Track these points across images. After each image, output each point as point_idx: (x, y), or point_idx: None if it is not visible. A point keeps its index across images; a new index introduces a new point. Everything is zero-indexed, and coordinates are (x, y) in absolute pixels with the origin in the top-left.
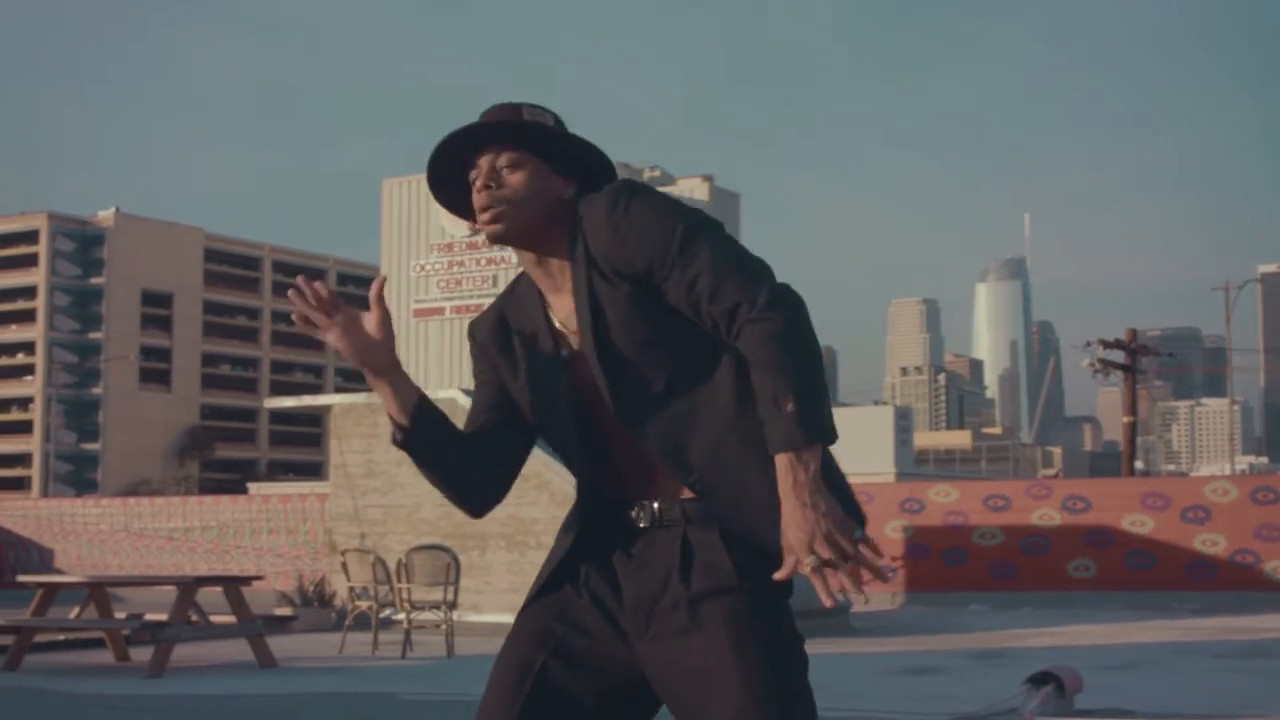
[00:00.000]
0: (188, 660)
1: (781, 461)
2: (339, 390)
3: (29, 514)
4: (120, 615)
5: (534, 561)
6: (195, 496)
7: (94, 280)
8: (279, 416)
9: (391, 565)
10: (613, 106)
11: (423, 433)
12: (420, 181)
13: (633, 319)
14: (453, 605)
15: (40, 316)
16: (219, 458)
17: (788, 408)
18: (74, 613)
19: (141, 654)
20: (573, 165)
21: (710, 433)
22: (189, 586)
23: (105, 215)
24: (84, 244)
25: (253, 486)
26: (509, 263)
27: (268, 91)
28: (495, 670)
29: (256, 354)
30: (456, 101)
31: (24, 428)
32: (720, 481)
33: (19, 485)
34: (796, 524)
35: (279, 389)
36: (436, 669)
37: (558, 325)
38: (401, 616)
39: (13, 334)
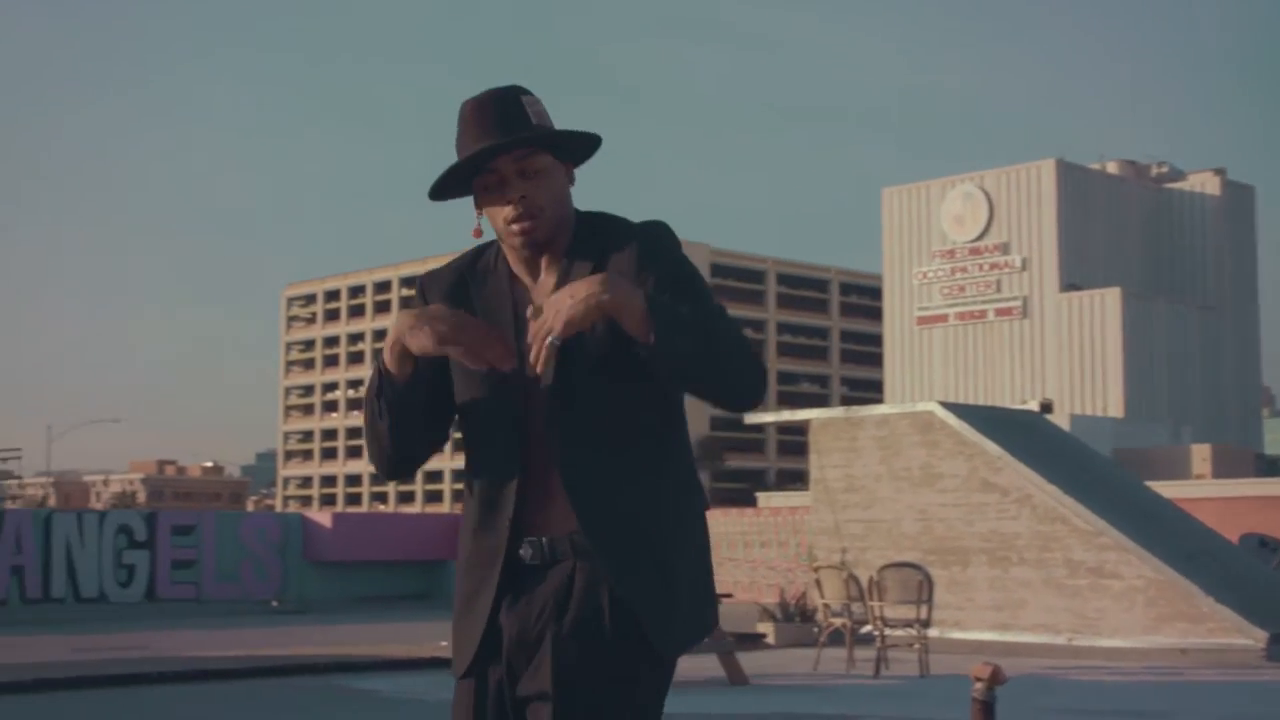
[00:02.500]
0: None
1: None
2: (845, 401)
3: None
4: None
5: (1016, 578)
6: None
7: None
8: (786, 427)
9: (866, 581)
10: (1119, 97)
11: (416, 384)
12: (921, 189)
13: (604, 339)
14: (926, 624)
15: None
16: (729, 468)
17: (680, 310)
18: None
19: None
20: (571, 151)
21: (624, 483)
22: None
23: None
24: None
25: (761, 497)
26: (1012, 267)
27: (765, 104)
28: None
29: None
30: (955, 107)
31: None
32: (614, 533)
33: None
34: (605, 277)
35: (785, 400)
36: (907, 689)
37: (527, 316)
38: (876, 634)
39: None
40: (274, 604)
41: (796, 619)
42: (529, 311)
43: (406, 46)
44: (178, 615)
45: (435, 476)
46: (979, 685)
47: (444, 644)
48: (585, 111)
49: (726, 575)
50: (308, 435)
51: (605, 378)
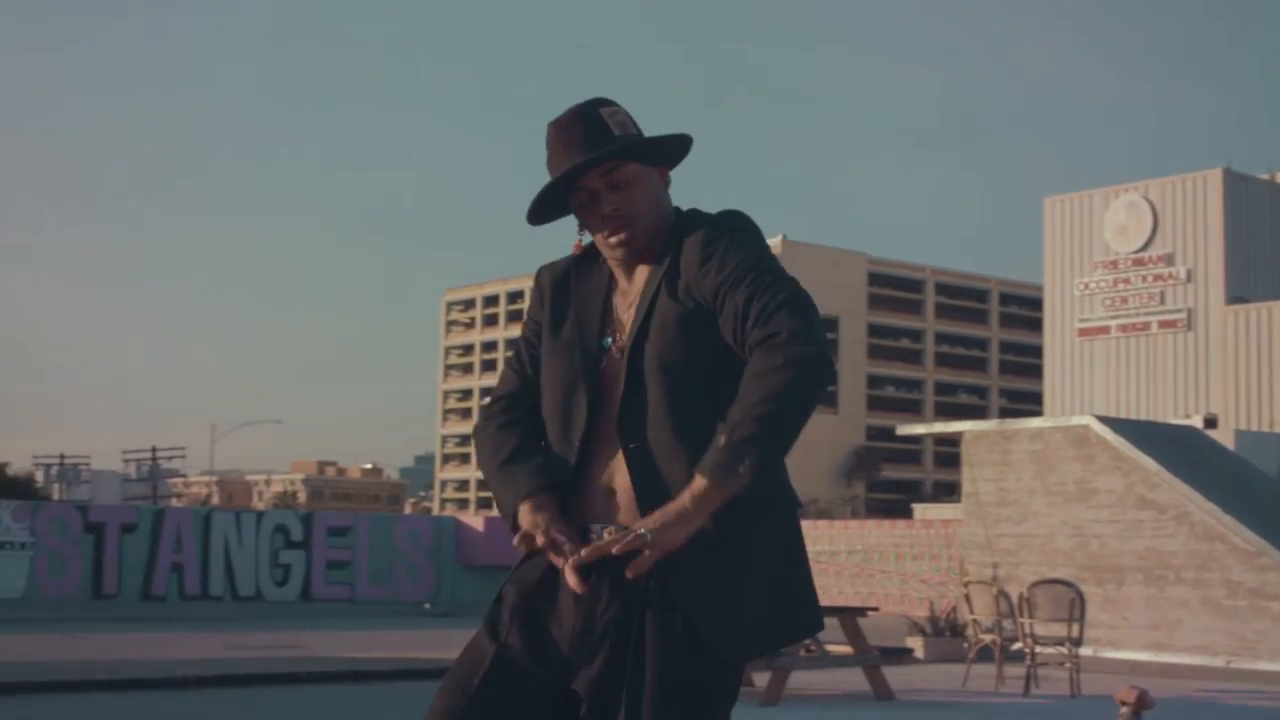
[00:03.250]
0: (808, 688)
1: (693, 483)
2: (1004, 414)
3: None
4: None
5: (1172, 597)
6: (842, 521)
7: None
8: (943, 438)
9: (1016, 598)
10: None
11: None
12: (1083, 198)
13: (675, 334)
14: (1078, 642)
15: None
16: (885, 478)
17: (723, 450)
18: None
19: (764, 681)
20: (659, 154)
21: (681, 480)
22: None
23: (773, 242)
24: None
25: (917, 509)
26: (1176, 279)
27: (925, 110)
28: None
29: (920, 376)
30: (1120, 115)
31: None
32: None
33: None
34: (666, 515)
35: (943, 411)
36: (1055, 709)
37: (616, 312)
38: (1026, 651)
39: None
40: (426, 606)
41: (947, 634)
42: (606, 531)
43: (568, 48)
44: (331, 615)
45: None
46: (1124, 710)
47: None
48: (746, 117)
49: (877, 587)
50: (465, 439)
51: (675, 362)
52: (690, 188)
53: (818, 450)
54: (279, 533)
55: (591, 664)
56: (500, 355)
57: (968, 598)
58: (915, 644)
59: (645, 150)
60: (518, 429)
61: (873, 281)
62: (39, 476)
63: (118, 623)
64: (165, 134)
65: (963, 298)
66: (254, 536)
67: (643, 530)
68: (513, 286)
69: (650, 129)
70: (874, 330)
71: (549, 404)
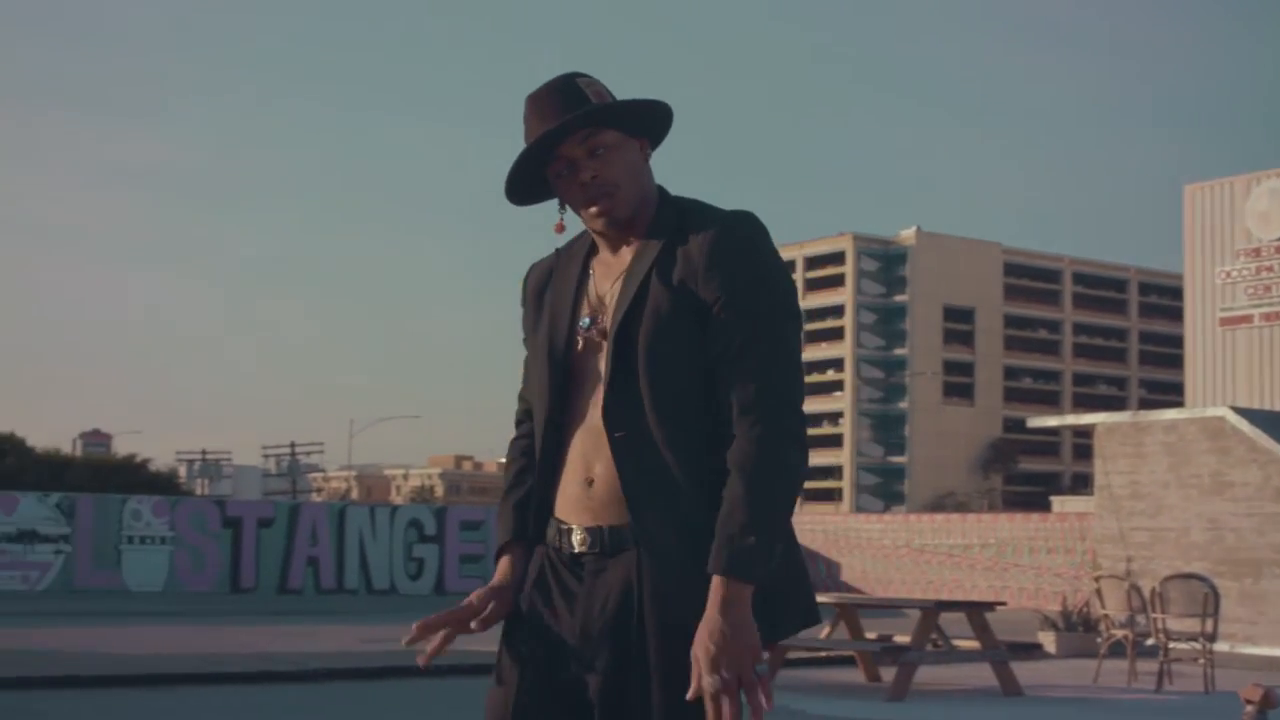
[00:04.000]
0: (935, 683)
1: (723, 587)
2: (1144, 405)
3: (817, 528)
4: (871, 636)
5: None
6: (974, 514)
7: (897, 298)
8: (1081, 430)
9: (1149, 592)
10: None
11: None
12: (1224, 185)
13: (668, 321)
14: (1212, 637)
15: (848, 334)
16: (1022, 471)
17: (750, 540)
18: (824, 632)
19: (890, 676)
20: (639, 123)
21: (670, 472)
22: (930, 611)
23: (907, 234)
24: (887, 262)
25: (1056, 501)
26: None
27: (1060, 96)
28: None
29: (1058, 367)
30: (1262, 99)
31: (834, 441)
32: (660, 527)
33: (829, 497)
34: (717, 642)
35: (1080, 403)
36: (1187, 705)
37: (592, 293)
38: (1160, 647)
39: (823, 351)
40: None
41: (1079, 629)
42: (709, 683)
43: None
44: None
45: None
46: (1249, 709)
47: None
48: (876, 107)
49: (1011, 581)
50: None
51: (665, 348)
52: (827, 182)
53: (954, 443)
54: (412, 527)
55: (595, 669)
56: None
57: (1099, 592)
58: (1046, 639)
59: (622, 116)
60: (519, 457)
61: (1008, 272)
62: (182, 472)
63: (254, 616)
64: (312, 135)
65: (1101, 287)
66: (388, 531)
67: (761, 667)
68: None
69: (789, 123)
70: (1010, 321)
71: (533, 394)
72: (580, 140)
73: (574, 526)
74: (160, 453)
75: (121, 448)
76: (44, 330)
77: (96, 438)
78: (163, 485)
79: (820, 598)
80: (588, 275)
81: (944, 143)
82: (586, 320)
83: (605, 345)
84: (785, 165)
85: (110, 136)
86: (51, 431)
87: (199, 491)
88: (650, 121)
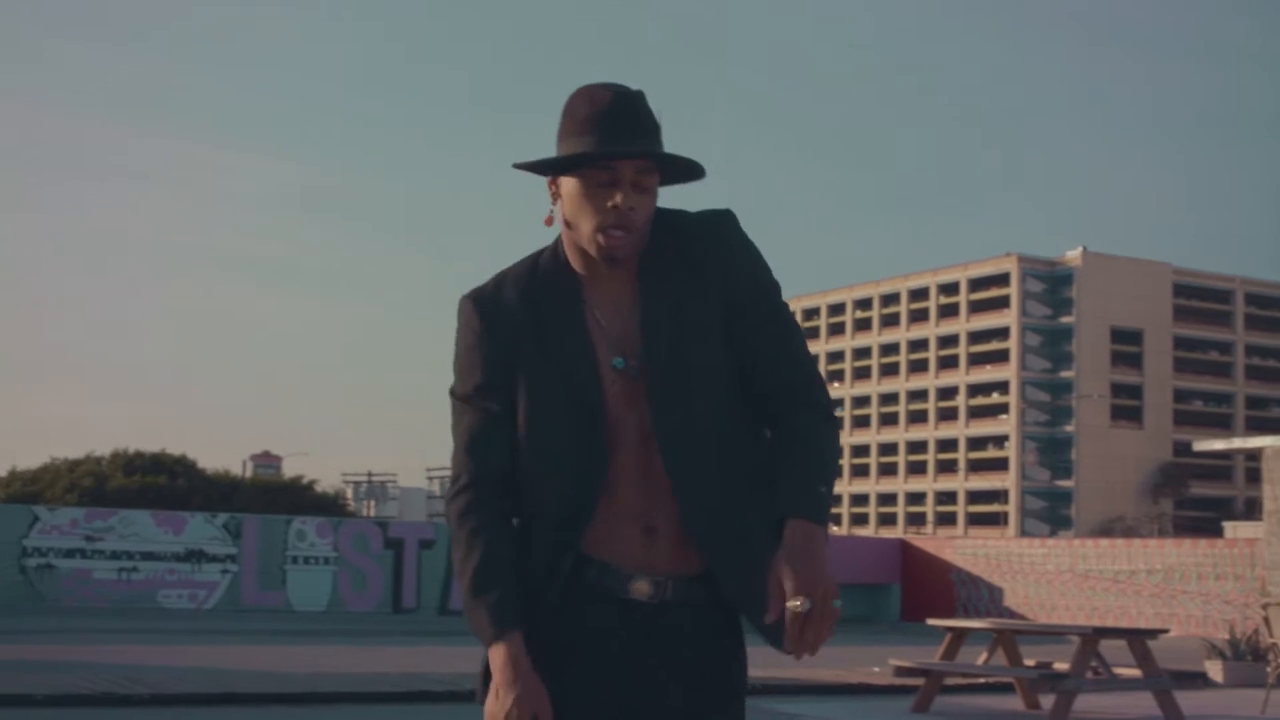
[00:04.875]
0: (1095, 711)
1: (803, 525)
2: None
3: (979, 551)
4: (1029, 662)
5: None
6: (1140, 539)
7: (1063, 319)
8: (1253, 453)
9: None
10: None
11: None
12: None
13: (705, 341)
14: None
15: (1013, 356)
16: (1193, 495)
17: (821, 489)
18: (982, 658)
19: (1049, 704)
20: (676, 178)
21: (733, 499)
22: (1089, 638)
23: (1073, 255)
24: (1053, 284)
25: (1228, 526)
26: None
27: (1230, 113)
28: None
29: (1230, 389)
30: None
31: (1000, 465)
32: (735, 562)
33: (994, 521)
34: (808, 567)
35: (1255, 426)
36: None
37: (597, 324)
38: None
39: (988, 374)
40: None
41: (1247, 657)
42: (799, 604)
43: (840, 47)
44: None
45: (889, 499)
46: None
47: (876, 669)
48: (1040, 126)
49: (1178, 608)
50: None
51: (711, 391)
52: (991, 203)
53: (1122, 466)
54: None
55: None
56: None
57: (1267, 620)
58: (1213, 668)
59: (679, 169)
60: (486, 529)
61: (1178, 293)
62: (348, 494)
63: (416, 636)
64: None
65: (1275, 308)
66: None
67: (837, 601)
68: (833, 299)
69: (953, 145)
70: (1180, 343)
71: (542, 445)
72: (637, 170)
73: (634, 573)
74: (327, 474)
75: (290, 469)
76: (222, 353)
77: (266, 459)
78: (328, 506)
79: (977, 623)
80: (586, 309)
81: (1110, 161)
82: (620, 361)
83: (643, 384)
84: (949, 186)
85: (289, 161)
86: (223, 454)
87: (365, 513)
88: (680, 179)
